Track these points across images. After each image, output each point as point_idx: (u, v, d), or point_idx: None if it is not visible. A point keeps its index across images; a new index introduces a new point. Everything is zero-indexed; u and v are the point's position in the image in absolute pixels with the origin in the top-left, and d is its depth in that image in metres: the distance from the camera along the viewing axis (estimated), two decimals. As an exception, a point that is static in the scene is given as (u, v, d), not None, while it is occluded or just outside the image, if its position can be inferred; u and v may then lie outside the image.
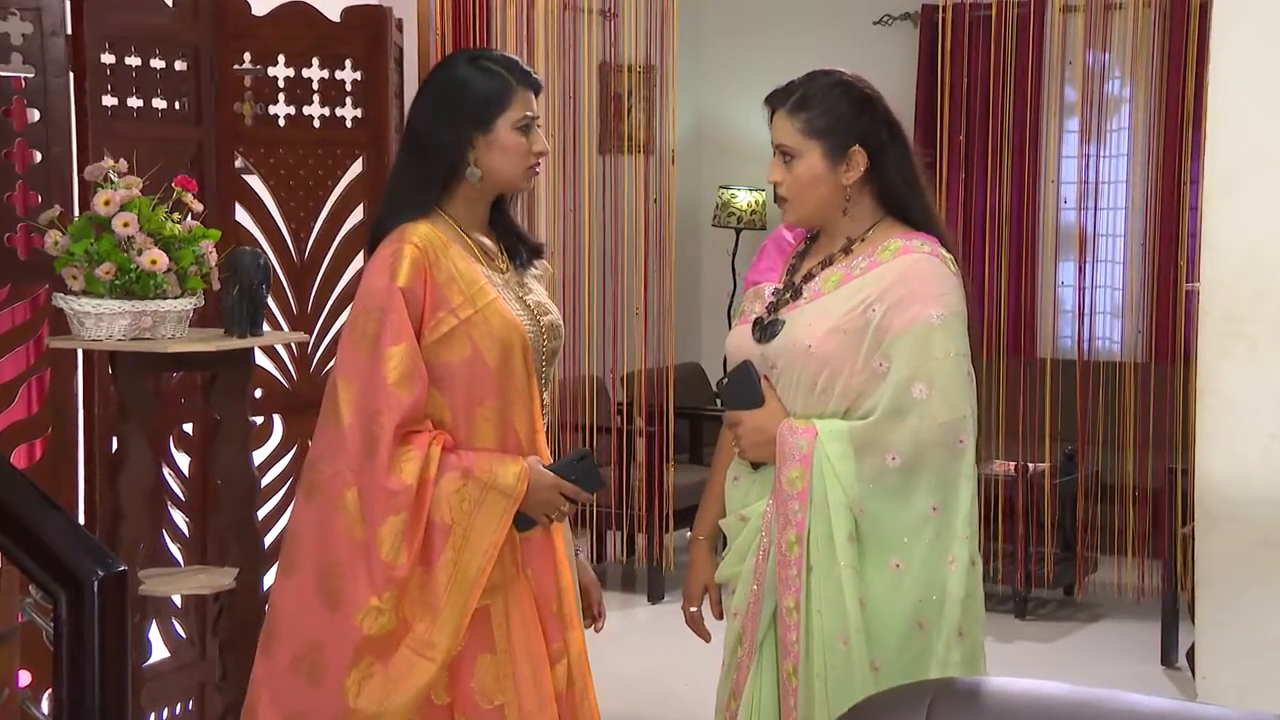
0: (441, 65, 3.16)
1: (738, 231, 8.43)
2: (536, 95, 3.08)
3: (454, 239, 3.01)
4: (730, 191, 8.38)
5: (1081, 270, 6.80)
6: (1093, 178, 6.80)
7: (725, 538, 3.19)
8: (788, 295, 3.07)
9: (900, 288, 2.94)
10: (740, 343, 3.09)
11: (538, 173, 3.12)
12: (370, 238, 3.09)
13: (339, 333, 4.73)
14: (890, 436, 2.90)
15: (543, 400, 3.10)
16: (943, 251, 3.02)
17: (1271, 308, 3.38)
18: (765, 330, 3.04)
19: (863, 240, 3.05)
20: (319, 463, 2.97)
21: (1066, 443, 6.72)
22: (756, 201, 8.37)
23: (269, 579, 4.21)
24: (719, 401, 2.76)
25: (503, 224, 3.16)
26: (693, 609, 3.25)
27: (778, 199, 3.07)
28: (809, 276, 3.07)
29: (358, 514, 2.90)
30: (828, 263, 3.06)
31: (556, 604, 3.06)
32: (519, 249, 3.16)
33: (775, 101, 3.03)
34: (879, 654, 2.93)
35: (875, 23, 8.14)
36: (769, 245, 3.23)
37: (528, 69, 3.08)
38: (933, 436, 2.91)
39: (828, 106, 2.99)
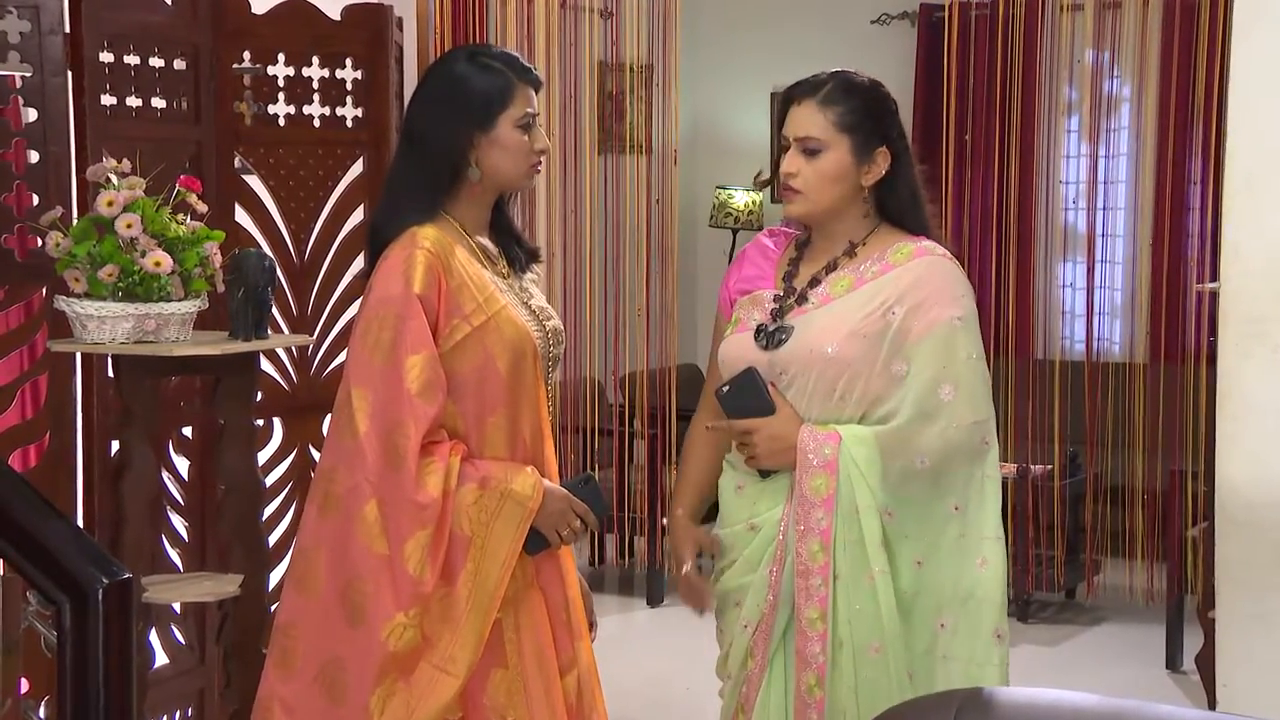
0: (440, 63, 3.08)
1: (734, 232, 8.39)
2: (536, 91, 3.01)
3: (460, 243, 2.94)
4: (727, 192, 8.33)
5: (1091, 271, 6.77)
6: (1094, 178, 6.77)
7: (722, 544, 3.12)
8: (791, 301, 3.01)
9: (920, 290, 2.91)
10: (741, 351, 3.02)
11: (539, 171, 3.05)
12: (372, 241, 3.00)
13: (340, 335, 4.73)
14: (919, 440, 2.87)
15: (549, 407, 3.04)
16: (950, 254, 3.01)
17: (1295, 308, 3.32)
18: (771, 337, 2.98)
19: (864, 244, 3.01)
20: (334, 474, 2.88)
21: (1069, 444, 6.68)
22: (753, 202, 8.33)
23: (272, 585, 4.17)
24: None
25: (501, 226, 3.08)
26: (686, 566, 3.14)
27: (786, 191, 3.00)
28: (814, 282, 3.01)
29: (378, 527, 2.81)
30: (832, 267, 3.01)
31: (565, 614, 3.01)
32: (516, 252, 3.09)
33: (802, 92, 2.98)
34: (910, 659, 2.90)
35: (873, 22, 8.12)
36: (752, 252, 3.16)
37: (527, 65, 3.01)
38: (960, 439, 2.88)
39: (861, 103, 2.96)
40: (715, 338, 3.16)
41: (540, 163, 3.02)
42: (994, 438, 2.94)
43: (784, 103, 3.02)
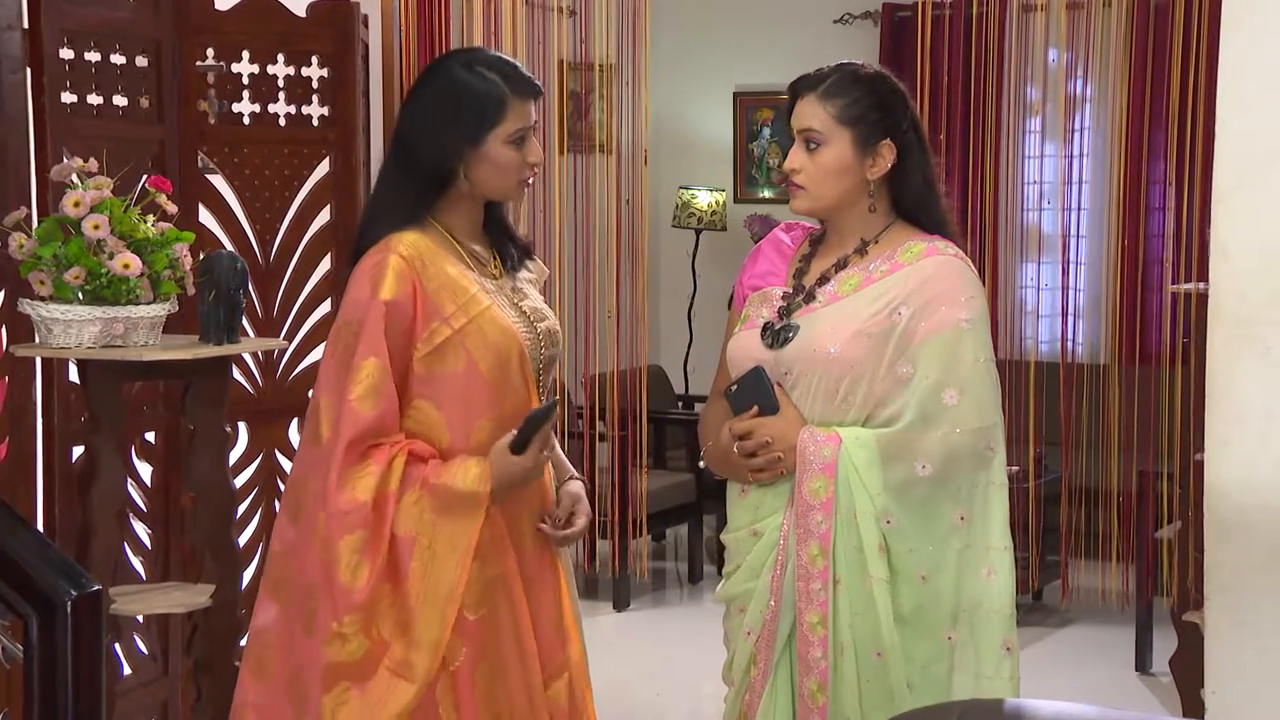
0: (433, 68, 3.01)
1: (698, 232, 8.33)
2: (536, 101, 2.94)
3: (444, 247, 2.89)
4: (690, 192, 8.27)
5: (1066, 272, 6.74)
6: (1067, 178, 6.75)
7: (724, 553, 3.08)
8: (800, 299, 2.96)
9: (927, 291, 2.85)
10: (748, 349, 2.97)
11: (529, 184, 2.99)
12: (355, 247, 2.95)
13: (307, 338, 4.65)
14: (921, 444, 2.81)
15: None
16: (963, 254, 2.95)
17: (1286, 309, 3.27)
18: (777, 335, 2.93)
19: (876, 242, 2.96)
20: (303, 482, 2.85)
21: (1034, 446, 6.64)
22: (717, 202, 8.27)
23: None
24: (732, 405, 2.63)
25: (493, 225, 3.03)
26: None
27: (790, 186, 2.95)
28: (823, 279, 2.96)
29: (325, 533, 2.79)
30: (842, 265, 2.96)
31: (557, 615, 2.95)
32: (509, 251, 3.04)
33: (803, 86, 2.94)
34: (912, 670, 2.84)
35: (836, 21, 8.07)
36: (766, 248, 3.11)
37: (527, 75, 2.93)
38: (964, 444, 2.83)
39: (861, 95, 2.91)
40: (727, 334, 3.10)
41: (532, 176, 2.96)
42: (1000, 444, 2.88)
43: (790, 97, 2.97)
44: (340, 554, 2.75)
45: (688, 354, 8.33)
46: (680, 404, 8.01)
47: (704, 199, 8.26)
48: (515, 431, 2.84)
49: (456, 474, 2.80)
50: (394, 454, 2.78)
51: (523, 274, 3.05)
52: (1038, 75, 6.82)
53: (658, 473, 7.04)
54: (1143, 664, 5.94)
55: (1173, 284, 5.98)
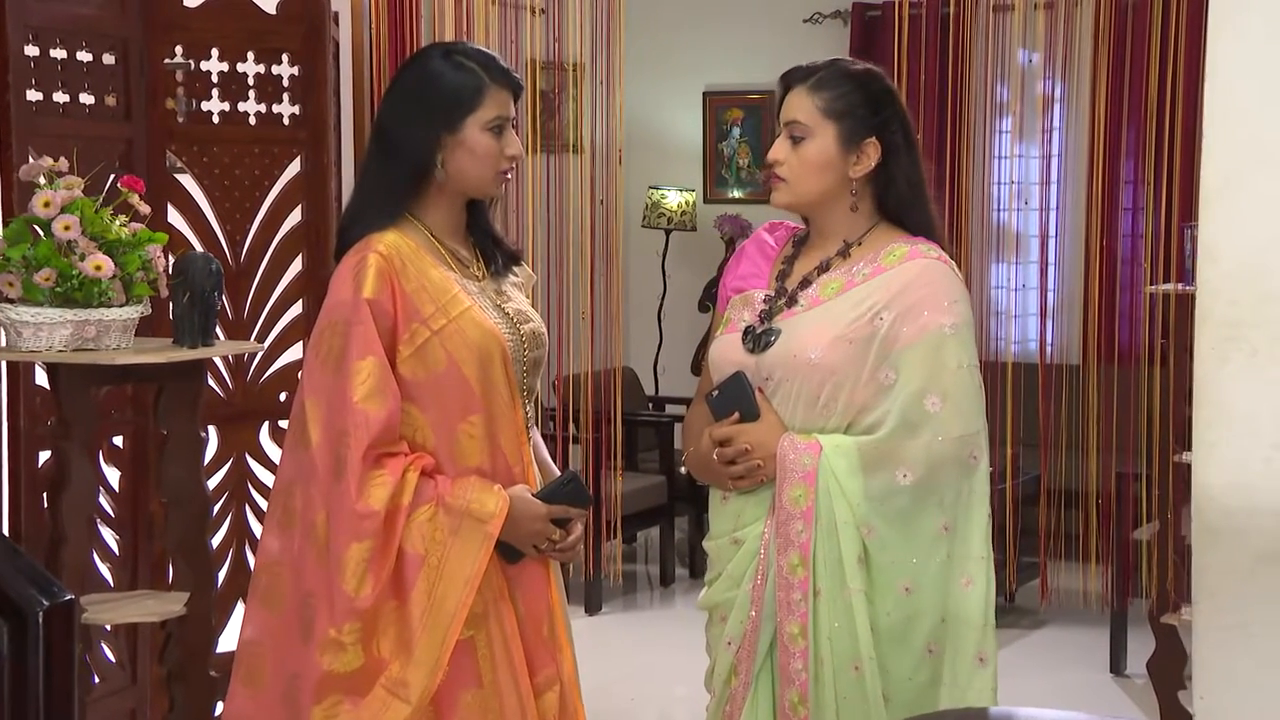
0: (414, 58, 2.99)
1: (668, 232, 8.28)
2: (516, 96, 2.92)
3: (425, 247, 2.86)
4: (660, 192, 8.22)
5: (1044, 272, 6.72)
6: (1044, 178, 6.73)
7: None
8: (781, 302, 2.90)
9: (910, 295, 2.79)
10: (729, 353, 2.91)
11: (508, 177, 2.95)
12: (336, 245, 2.92)
13: (278, 340, 4.58)
14: (902, 452, 2.75)
15: (525, 412, 2.92)
16: (948, 257, 2.89)
17: (1275, 311, 3.25)
18: (758, 340, 2.87)
19: (859, 244, 2.90)
20: (291, 488, 2.82)
21: (1010, 447, 6.62)
22: (686, 202, 8.22)
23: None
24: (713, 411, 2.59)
25: (479, 228, 3.00)
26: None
27: (772, 179, 2.90)
28: (805, 282, 2.90)
29: (325, 540, 2.75)
30: (825, 268, 2.90)
31: (547, 627, 2.91)
32: (495, 255, 3.00)
33: (793, 78, 2.89)
34: (889, 683, 2.79)
35: (805, 20, 8.05)
36: (749, 248, 3.05)
37: (506, 67, 2.92)
38: (946, 452, 2.76)
39: (850, 90, 2.86)
40: (710, 336, 3.05)
41: (510, 169, 2.92)
42: (984, 452, 2.82)
43: (781, 89, 2.92)
44: (346, 561, 2.71)
45: (658, 355, 8.29)
46: (651, 405, 7.96)
47: (674, 199, 8.21)
48: (549, 484, 2.88)
49: (474, 498, 2.77)
50: (407, 466, 2.75)
51: (509, 278, 3.01)
52: (1010, 75, 6.80)
53: (629, 475, 6.99)
54: (1117, 666, 5.92)
55: (1150, 284, 5.96)
